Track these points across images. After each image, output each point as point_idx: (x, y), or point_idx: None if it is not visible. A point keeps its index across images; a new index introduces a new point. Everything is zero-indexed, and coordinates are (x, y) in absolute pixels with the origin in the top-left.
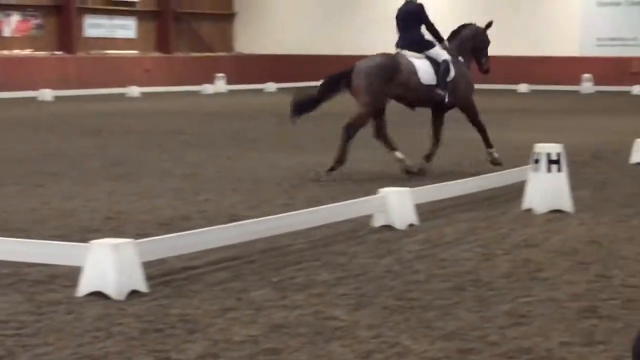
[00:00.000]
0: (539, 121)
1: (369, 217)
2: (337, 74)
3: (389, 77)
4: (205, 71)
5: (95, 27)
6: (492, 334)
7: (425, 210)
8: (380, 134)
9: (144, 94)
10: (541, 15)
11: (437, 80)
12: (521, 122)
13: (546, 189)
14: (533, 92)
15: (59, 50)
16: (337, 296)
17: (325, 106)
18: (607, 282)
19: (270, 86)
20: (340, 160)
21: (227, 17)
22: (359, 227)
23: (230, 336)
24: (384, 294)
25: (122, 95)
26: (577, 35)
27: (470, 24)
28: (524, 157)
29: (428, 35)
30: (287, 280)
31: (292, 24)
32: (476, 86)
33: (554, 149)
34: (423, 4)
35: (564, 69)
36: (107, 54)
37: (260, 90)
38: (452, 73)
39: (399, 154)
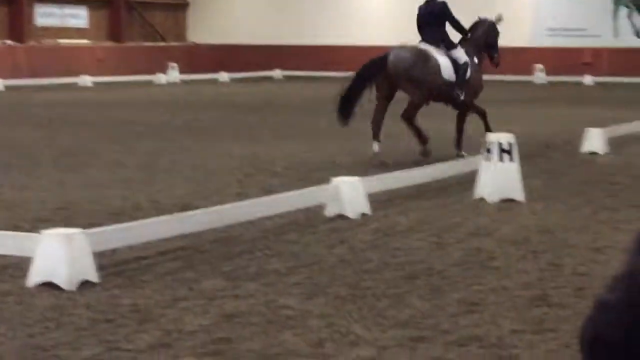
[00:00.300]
0: (491, 111)
1: (322, 207)
2: (371, 65)
3: (420, 68)
4: (158, 61)
5: (46, 16)
6: (444, 322)
7: (378, 200)
8: (378, 119)
9: (96, 84)
10: (493, 5)
11: (457, 79)
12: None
13: (498, 178)
14: (485, 82)
15: (9, 39)
16: (289, 285)
17: (275, 97)
18: (558, 271)
19: (224, 76)
20: (423, 141)
21: (180, 6)
22: (312, 216)
23: (182, 326)
24: (337, 283)
25: (73, 85)
26: (528, 26)
27: (484, 20)
28: (477, 146)
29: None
30: (240, 269)
31: (246, 13)
32: None
33: (505, 138)
34: (446, 2)
35: (516, 59)
36: (58, 43)
37: (214, 80)
38: (468, 74)
39: (376, 147)
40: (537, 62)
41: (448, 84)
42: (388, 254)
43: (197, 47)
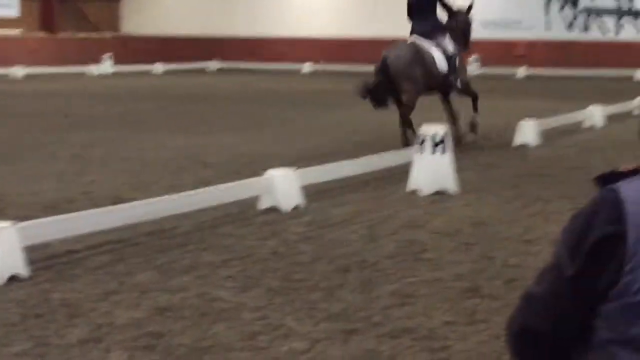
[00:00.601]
0: (425, 102)
1: (255, 199)
2: (377, 74)
3: (418, 65)
4: (92, 52)
5: None
6: (376, 315)
7: (312, 192)
8: (450, 113)
9: (28, 75)
10: None
11: (449, 69)
12: None
13: (431, 170)
14: None
15: None
16: (222, 278)
17: (210, 89)
18: (490, 263)
19: (158, 67)
20: (407, 144)
21: None
22: (246, 208)
23: (113, 320)
24: (269, 276)
25: (4, 76)
26: None
27: (459, 12)
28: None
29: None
30: (173, 262)
31: (180, 5)
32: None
33: (438, 130)
34: None
35: None
36: None
37: (148, 72)
38: (457, 62)
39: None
40: (472, 54)
41: (443, 74)
42: (321, 247)
43: (131, 38)
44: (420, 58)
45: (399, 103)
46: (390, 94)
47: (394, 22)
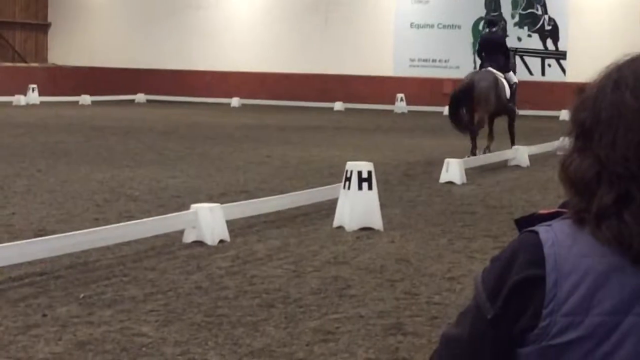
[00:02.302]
0: (353, 139)
1: (180, 233)
2: (459, 92)
3: (496, 89)
4: (18, 82)
5: None
6: (299, 351)
7: (237, 227)
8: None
9: None
10: (357, 34)
11: (510, 96)
12: (335, 140)
13: (357, 206)
14: (348, 110)
15: None
16: (145, 312)
17: (138, 121)
18: (414, 300)
19: (85, 98)
20: (475, 147)
21: (41, 27)
22: (170, 242)
23: (33, 354)
24: (193, 310)
25: None
26: (391, 55)
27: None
28: (337, 174)
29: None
30: (95, 296)
31: (108, 36)
32: (292, 104)
33: (364, 167)
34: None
35: (379, 88)
36: None
37: (75, 103)
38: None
39: (487, 146)
40: (399, 92)
41: (508, 100)
42: (245, 282)
43: (58, 68)
44: (496, 84)
45: (472, 121)
46: (467, 113)
47: (319, 58)
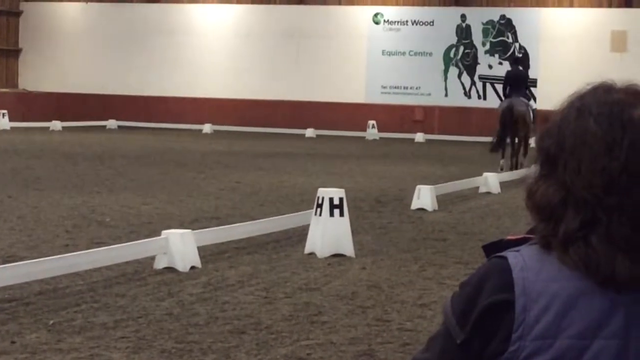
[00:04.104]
0: (324, 166)
1: (151, 259)
2: (505, 115)
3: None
4: None
5: None
6: None
7: (209, 253)
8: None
9: None
10: (329, 61)
11: (533, 121)
12: (307, 167)
13: (328, 233)
14: (320, 137)
15: None
16: (115, 339)
17: (109, 148)
18: (385, 326)
19: (56, 124)
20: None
21: (12, 52)
22: (141, 268)
23: None
24: (163, 337)
25: None
26: (363, 82)
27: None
28: (309, 201)
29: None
30: (65, 322)
31: (79, 62)
32: (263, 130)
33: (336, 193)
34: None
35: (351, 115)
36: None
37: (46, 129)
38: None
39: (502, 163)
40: (371, 119)
41: (531, 124)
42: (216, 308)
43: (28, 94)
44: (528, 110)
45: (512, 142)
46: (505, 139)
47: (291, 85)
